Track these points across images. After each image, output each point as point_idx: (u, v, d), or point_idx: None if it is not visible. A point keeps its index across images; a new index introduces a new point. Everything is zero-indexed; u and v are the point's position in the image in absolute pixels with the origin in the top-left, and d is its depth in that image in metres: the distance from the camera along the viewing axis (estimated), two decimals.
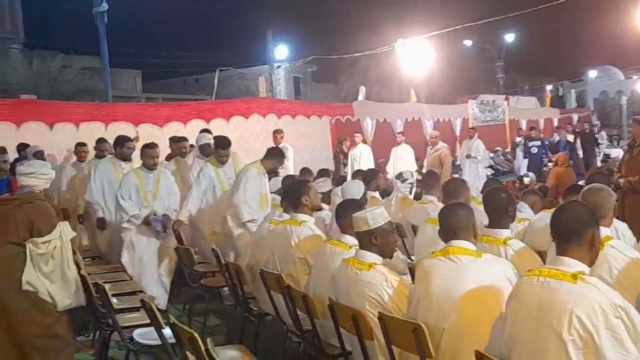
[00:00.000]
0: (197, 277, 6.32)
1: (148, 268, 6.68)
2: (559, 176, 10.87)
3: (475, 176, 13.28)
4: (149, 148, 6.93)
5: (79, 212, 8.14)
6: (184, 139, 8.91)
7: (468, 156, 14.33)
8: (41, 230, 4.35)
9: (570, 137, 17.43)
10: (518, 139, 18.71)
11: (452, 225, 3.34)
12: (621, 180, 7.09)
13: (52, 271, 4.36)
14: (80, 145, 8.91)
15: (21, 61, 21.03)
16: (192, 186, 7.22)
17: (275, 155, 7.06)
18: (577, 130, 19.16)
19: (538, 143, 16.39)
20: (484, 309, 3.03)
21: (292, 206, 4.93)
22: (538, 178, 13.75)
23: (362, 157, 12.71)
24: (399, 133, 14.27)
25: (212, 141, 7.83)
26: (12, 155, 9.07)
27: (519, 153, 17.87)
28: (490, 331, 2.81)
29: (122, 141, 7.55)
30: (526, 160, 16.71)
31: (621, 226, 4.30)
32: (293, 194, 4.99)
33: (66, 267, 4.44)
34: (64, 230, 4.48)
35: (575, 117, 28.65)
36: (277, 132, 11.31)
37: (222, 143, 7.24)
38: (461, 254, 3.22)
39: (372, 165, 12.17)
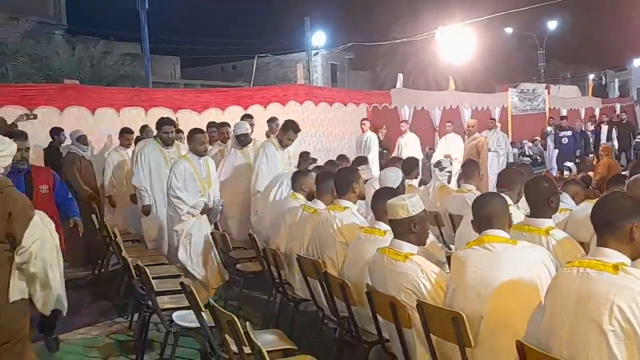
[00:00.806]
0: (233, 263, 6.39)
1: (204, 256, 6.54)
2: (610, 167, 10.53)
3: (497, 170, 12.74)
4: (200, 133, 6.70)
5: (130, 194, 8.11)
6: (227, 124, 8.96)
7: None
8: (15, 228, 3.58)
9: (605, 128, 16.86)
10: (549, 129, 17.79)
11: (486, 215, 3.30)
12: None
13: (34, 274, 3.66)
14: (126, 132, 8.94)
15: (64, 47, 21.36)
16: (259, 167, 7.27)
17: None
18: (614, 120, 18.42)
19: (569, 133, 15.67)
20: (521, 297, 3.00)
21: (340, 192, 4.88)
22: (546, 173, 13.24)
23: (407, 146, 12.54)
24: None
25: (249, 130, 7.93)
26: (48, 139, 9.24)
27: (550, 143, 16.92)
28: (528, 321, 2.78)
29: (160, 124, 7.42)
30: (557, 151, 15.99)
31: None
32: (344, 181, 4.93)
33: (49, 270, 3.69)
34: (44, 233, 3.70)
35: (617, 106, 27.92)
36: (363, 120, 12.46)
37: (296, 127, 7.47)
38: (496, 242, 3.18)
39: (419, 154, 12.01)
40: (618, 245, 2.55)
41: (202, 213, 6.49)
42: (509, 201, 4.55)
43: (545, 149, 18.13)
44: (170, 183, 6.41)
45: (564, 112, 23.60)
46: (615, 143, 16.41)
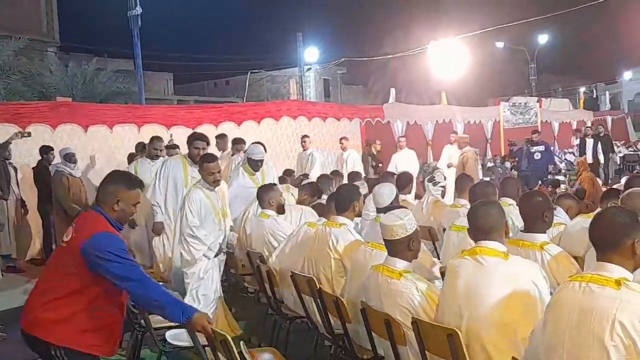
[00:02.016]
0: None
1: (212, 294, 5.67)
2: (594, 182, 10.51)
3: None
4: (209, 162, 5.68)
5: None
6: (242, 140, 9.07)
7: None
8: None
9: (590, 142, 16.19)
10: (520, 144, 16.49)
11: (482, 226, 3.26)
12: None
13: None
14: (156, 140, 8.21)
15: (57, 64, 21.41)
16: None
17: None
18: (599, 133, 17.74)
19: (542, 148, 14.71)
20: (502, 315, 3.00)
21: (340, 209, 4.84)
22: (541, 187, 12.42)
23: (403, 162, 12.36)
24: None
25: (264, 157, 7.43)
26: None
27: (523, 159, 15.54)
28: (529, 337, 2.78)
29: (191, 140, 6.65)
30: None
31: None
32: (346, 198, 4.88)
33: None
34: None
35: (609, 119, 28.13)
36: (304, 137, 11.50)
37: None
38: (488, 255, 3.16)
39: (416, 170, 11.91)
40: (620, 260, 2.55)
41: (216, 256, 5.63)
42: None
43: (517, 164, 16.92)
44: (187, 220, 5.47)
45: (556, 125, 23.75)
46: (601, 157, 15.98)
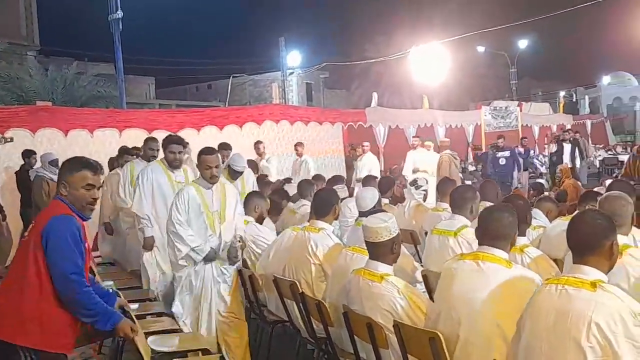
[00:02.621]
0: None
1: (206, 319, 5.04)
2: (577, 188, 10.38)
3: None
4: (207, 154, 5.12)
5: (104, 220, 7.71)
6: (228, 146, 8.25)
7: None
8: None
9: (567, 147, 15.90)
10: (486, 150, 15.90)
11: (492, 230, 3.19)
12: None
13: None
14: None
15: (37, 68, 21.19)
16: None
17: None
18: (574, 138, 17.50)
19: (507, 154, 14.36)
20: (499, 323, 2.97)
21: (320, 214, 4.82)
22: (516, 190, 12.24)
23: (365, 167, 12.22)
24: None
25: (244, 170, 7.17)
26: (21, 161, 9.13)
27: (488, 164, 15.11)
28: (510, 342, 2.81)
29: (166, 144, 6.18)
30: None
31: (638, 233, 4.25)
32: (326, 202, 4.87)
33: None
34: None
35: (588, 123, 28.50)
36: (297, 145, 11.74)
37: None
38: (490, 262, 3.10)
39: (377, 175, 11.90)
40: (599, 261, 2.60)
41: (206, 261, 4.97)
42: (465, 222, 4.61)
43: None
44: (171, 216, 5.01)
45: (537, 129, 23.99)
46: (578, 162, 15.81)
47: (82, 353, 5.86)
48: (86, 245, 3.21)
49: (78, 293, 3.05)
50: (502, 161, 14.22)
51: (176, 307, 5.00)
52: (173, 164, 6.07)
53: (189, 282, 4.98)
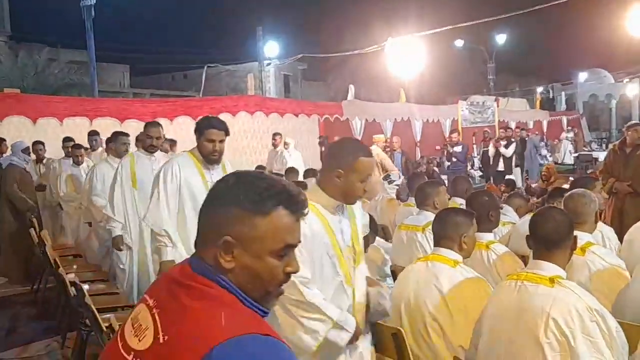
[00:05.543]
0: None
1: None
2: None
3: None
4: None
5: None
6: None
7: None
8: None
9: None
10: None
11: (437, 233, 3.31)
12: (617, 185, 6.80)
13: None
14: (76, 148, 8.03)
15: (7, 54, 20.81)
16: None
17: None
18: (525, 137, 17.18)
19: (459, 149, 14.10)
20: (444, 318, 3.06)
21: None
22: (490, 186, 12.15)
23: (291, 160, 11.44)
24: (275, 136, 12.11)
25: None
26: None
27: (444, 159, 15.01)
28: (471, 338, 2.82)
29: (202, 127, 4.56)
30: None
31: (607, 230, 4.31)
32: None
33: None
34: None
35: (564, 119, 28.77)
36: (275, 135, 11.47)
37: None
38: (437, 261, 3.19)
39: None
40: (563, 255, 2.64)
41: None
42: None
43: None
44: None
45: (513, 125, 24.16)
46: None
47: (47, 346, 5.82)
48: None
49: None
50: (456, 156, 14.02)
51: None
52: (211, 157, 4.42)
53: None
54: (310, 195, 2.54)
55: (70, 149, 8.30)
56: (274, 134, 11.80)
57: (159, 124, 5.73)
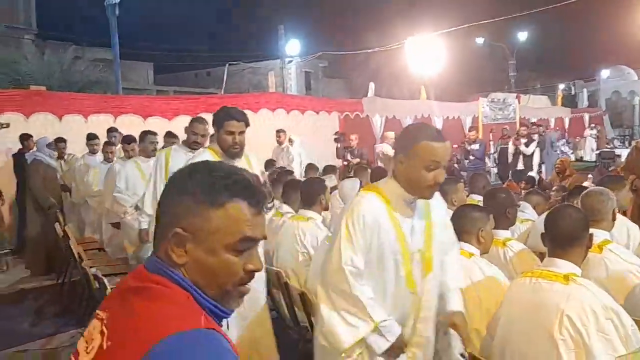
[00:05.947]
0: None
1: None
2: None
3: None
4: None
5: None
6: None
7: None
8: None
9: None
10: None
11: (455, 228, 3.25)
12: (637, 182, 6.78)
13: None
14: (108, 145, 8.16)
15: (33, 52, 21.11)
16: None
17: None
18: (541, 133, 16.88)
19: (476, 146, 13.97)
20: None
21: (307, 203, 4.80)
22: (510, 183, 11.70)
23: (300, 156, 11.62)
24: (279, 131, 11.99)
25: None
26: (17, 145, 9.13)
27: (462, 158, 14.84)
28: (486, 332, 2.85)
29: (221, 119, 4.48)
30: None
31: (633, 227, 4.26)
32: (312, 192, 4.83)
33: None
34: None
35: (586, 116, 28.43)
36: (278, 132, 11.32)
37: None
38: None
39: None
40: (579, 253, 2.64)
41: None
42: None
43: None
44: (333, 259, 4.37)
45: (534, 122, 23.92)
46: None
47: (71, 337, 5.94)
48: None
49: None
50: (474, 154, 13.90)
51: None
52: (232, 151, 4.25)
53: None
54: (385, 186, 2.59)
55: (95, 147, 8.49)
56: (278, 131, 11.58)
57: (205, 120, 5.40)
